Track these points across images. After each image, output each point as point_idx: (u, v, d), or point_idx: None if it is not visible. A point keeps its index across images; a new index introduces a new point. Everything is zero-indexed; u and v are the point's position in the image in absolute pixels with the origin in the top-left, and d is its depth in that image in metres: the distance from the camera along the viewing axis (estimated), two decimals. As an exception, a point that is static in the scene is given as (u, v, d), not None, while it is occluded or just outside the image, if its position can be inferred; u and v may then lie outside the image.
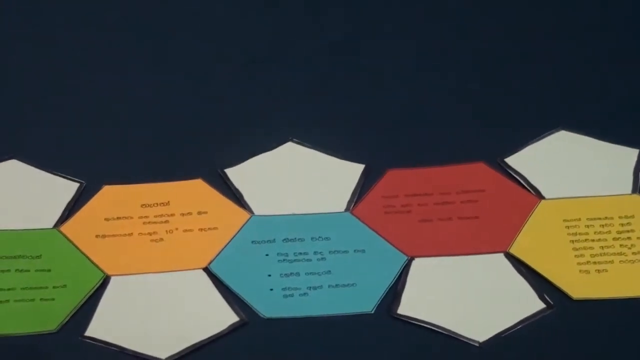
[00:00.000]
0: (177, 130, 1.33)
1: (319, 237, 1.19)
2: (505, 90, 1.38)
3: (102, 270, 1.15)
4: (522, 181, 1.25)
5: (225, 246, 1.18)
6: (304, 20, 1.50)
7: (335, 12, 1.52)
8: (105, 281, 1.14)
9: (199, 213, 1.21)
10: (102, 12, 1.55)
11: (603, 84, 1.37)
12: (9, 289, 1.13)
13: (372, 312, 1.12)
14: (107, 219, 1.20)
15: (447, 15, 1.53)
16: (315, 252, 1.17)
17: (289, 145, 1.30)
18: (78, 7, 1.55)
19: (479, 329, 1.10)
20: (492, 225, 1.20)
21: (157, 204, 1.22)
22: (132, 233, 1.19)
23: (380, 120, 1.34)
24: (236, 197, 1.23)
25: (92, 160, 1.27)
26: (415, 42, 1.46)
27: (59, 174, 1.25)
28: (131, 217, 1.21)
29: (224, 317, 1.11)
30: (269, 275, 1.15)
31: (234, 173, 1.26)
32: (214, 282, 1.15)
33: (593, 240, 1.18)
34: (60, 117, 1.34)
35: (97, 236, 1.19)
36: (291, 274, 1.15)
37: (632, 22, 1.47)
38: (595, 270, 1.15)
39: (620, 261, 1.16)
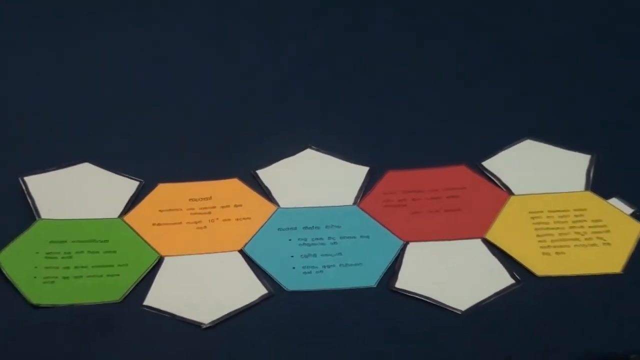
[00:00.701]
0: (218, 138, 1.33)
1: (332, 225, 1.19)
2: (482, 107, 1.38)
3: (157, 252, 1.15)
4: (495, 180, 1.24)
5: (257, 233, 1.18)
6: (321, 49, 1.50)
7: (346, 39, 1.52)
8: (159, 261, 1.14)
9: (236, 206, 1.21)
10: (154, 33, 1.54)
11: (561, 103, 1.37)
12: (82, 267, 1.13)
13: (375, 286, 1.12)
14: (161, 211, 1.20)
15: (443, 37, 1.53)
16: (328, 238, 1.17)
17: (308, 151, 1.30)
18: (131, 27, 1.55)
19: (461, 299, 1.10)
20: (471, 216, 1.20)
21: (201, 198, 1.22)
22: (181, 222, 1.19)
23: (382, 131, 1.34)
24: (265, 193, 1.23)
25: (149, 163, 1.27)
26: (408, 67, 1.45)
27: (123, 174, 1.25)
28: (180, 209, 1.21)
29: (255, 290, 1.11)
30: (292, 256, 1.15)
31: (263, 173, 1.26)
32: (247, 262, 1.15)
33: (553, 228, 1.18)
34: (124, 129, 1.34)
35: (153, 224, 1.19)
36: (309, 255, 1.15)
37: (590, 50, 1.46)
38: (555, 253, 1.15)
39: (575, 245, 1.16)
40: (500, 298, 1.10)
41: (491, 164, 1.27)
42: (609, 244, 1.16)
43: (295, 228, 1.18)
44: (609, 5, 1.56)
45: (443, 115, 1.36)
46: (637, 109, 1.36)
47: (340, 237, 1.17)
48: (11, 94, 1.39)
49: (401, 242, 1.17)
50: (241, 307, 1.09)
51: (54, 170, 1.25)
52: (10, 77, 1.42)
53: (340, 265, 1.14)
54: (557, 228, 1.18)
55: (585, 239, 1.16)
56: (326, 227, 1.19)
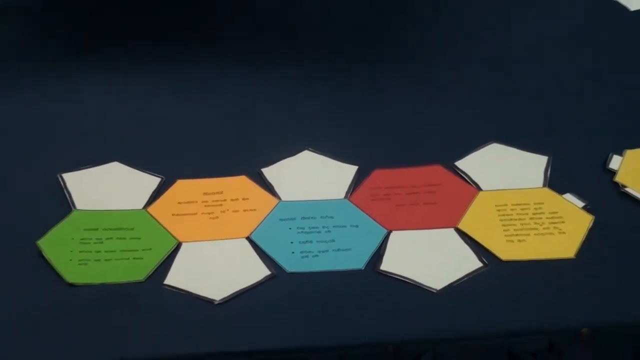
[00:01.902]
0: (229, 142, 1.32)
1: (326, 216, 1.18)
2: (455, 115, 1.37)
3: (176, 238, 1.15)
4: (466, 178, 1.24)
5: (261, 222, 1.18)
6: (316, 67, 1.49)
7: (340, 57, 1.51)
8: (178, 246, 1.14)
9: (243, 199, 1.21)
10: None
11: (522, 112, 1.36)
12: (112, 251, 1.13)
13: (363, 268, 1.12)
14: (179, 203, 1.20)
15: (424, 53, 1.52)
16: (323, 227, 1.17)
17: (306, 153, 1.29)
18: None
19: (436, 280, 1.10)
20: (446, 209, 1.20)
21: (214, 192, 1.21)
22: (196, 213, 1.19)
23: (369, 136, 1.33)
24: (269, 188, 1.23)
25: (170, 163, 1.27)
26: (392, 80, 1.44)
27: (147, 171, 1.25)
28: (196, 202, 1.20)
29: (259, 271, 1.11)
30: (291, 243, 1.15)
31: (267, 171, 1.25)
32: (253, 247, 1.15)
33: (515, 219, 1.18)
34: (147, 134, 1.34)
35: (172, 215, 1.19)
36: (306, 241, 1.15)
37: (551, 65, 1.46)
38: (517, 240, 1.15)
39: (534, 234, 1.16)
40: (470, 279, 1.11)
41: (463, 164, 1.26)
42: (563, 232, 1.16)
43: (295, 218, 1.18)
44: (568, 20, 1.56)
45: (422, 122, 1.35)
46: (587, 116, 1.35)
47: (333, 226, 1.17)
48: (51, 105, 1.39)
49: (385, 231, 1.17)
50: (248, 286, 1.09)
51: (88, 168, 1.25)
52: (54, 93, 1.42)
53: (333, 250, 1.14)
54: (519, 219, 1.18)
55: (544, 228, 1.16)
56: (321, 217, 1.18)
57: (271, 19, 1.59)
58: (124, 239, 1.15)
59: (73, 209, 1.18)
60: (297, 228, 1.17)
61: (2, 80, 1.44)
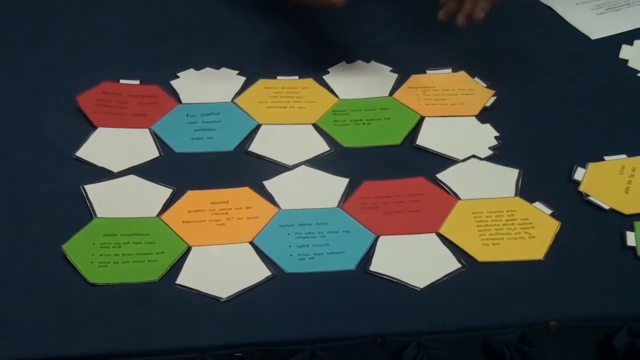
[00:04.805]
0: (234, 158, 1.31)
1: (321, 222, 1.18)
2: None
3: (186, 243, 1.15)
4: (446, 189, 1.24)
5: (263, 229, 1.18)
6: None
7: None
8: (188, 250, 1.15)
9: (247, 208, 1.21)
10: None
11: (497, 131, 1.35)
12: (129, 254, 1.13)
13: (354, 269, 1.13)
14: (189, 211, 1.20)
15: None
16: (318, 232, 1.17)
17: (302, 167, 1.29)
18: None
19: (420, 279, 1.11)
20: (428, 216, 1.20)
21: (220, 202, 1.21)
22: (204, 220, 1.19)
23: (358, 152, 1.32)
24: (270, 198, 1.23)
25: (181, 175, 1.27)
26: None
27: (160, 183, 1.25)
28: (204, 210, 1.20)
29: (261, 272, 1.12)
30: (290, 246, 1.15)
31: (268, 184, 1.25)
32: (255, 251, 1.15)
33: (491, 225, 1.18)
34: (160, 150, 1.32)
35: (183, 222, 1.18)
36: (303, 245, 1.15)
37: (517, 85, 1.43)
38: (492, 243, 1.15)
39: (507, 238, 1.16)
40: (450, 278, 1.11)
41: (443, 176, 1.26)
42: (533, 237, 1.16)
43: (293, 225, 1.18)
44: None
45: (407, 139, 1.33)
46: (553, 134, 1.35)
47: (328, 232, 1.17)
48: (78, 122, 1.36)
49: (374, 236, 1.17)
50: (251, 285, 1.10)
51: (107, 180, 1.25)
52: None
53: (327, 253, 1.14)
54: (494, 225, 1.18)
55: (515, 233, 1.17)
56: (316, 224, 1.18)
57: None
58: (140, 243, 1.15)
59: (94, 216, 1.18)
60: (295, 233, 1.17)
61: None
